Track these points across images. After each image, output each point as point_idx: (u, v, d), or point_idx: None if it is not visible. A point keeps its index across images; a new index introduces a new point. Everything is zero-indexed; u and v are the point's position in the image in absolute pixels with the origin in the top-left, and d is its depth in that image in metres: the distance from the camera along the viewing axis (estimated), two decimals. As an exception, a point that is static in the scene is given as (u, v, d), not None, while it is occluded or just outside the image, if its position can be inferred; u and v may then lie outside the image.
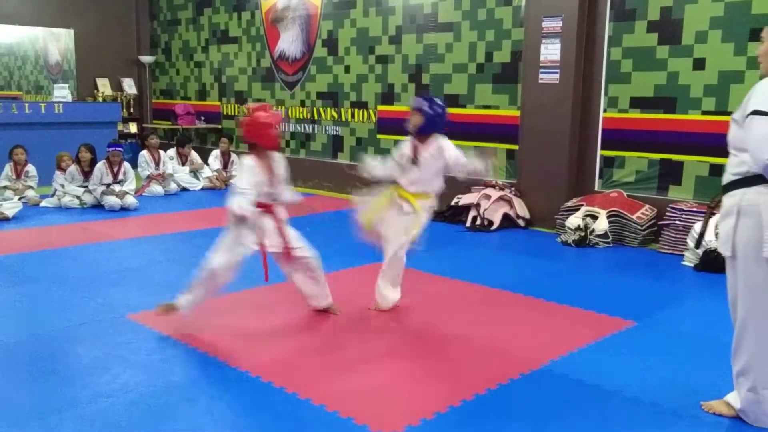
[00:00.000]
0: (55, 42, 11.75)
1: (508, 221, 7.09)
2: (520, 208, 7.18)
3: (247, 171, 3.87)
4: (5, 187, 8.16)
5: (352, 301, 4.65)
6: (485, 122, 7.80)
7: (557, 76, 6.88)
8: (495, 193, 7.21)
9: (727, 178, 2.82)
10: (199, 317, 4.01)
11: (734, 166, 2.76)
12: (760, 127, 2.57)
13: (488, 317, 4.34)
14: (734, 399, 2.97)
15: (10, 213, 7.27)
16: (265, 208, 3.97)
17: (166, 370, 3.43)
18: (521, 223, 7.14)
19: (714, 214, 2.90)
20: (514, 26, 7.42)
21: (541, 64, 6.99)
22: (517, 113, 7.40)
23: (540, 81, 7.01)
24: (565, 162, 6.96)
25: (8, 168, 8.33)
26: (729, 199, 2.78)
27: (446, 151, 4.32)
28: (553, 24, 6.88)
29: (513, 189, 7.35)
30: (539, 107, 7.06)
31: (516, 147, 7.47)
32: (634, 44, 6.60)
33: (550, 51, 6.93)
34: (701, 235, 3.08)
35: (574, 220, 6.39)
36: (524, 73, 7.22)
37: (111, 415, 2.94)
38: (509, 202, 7.18)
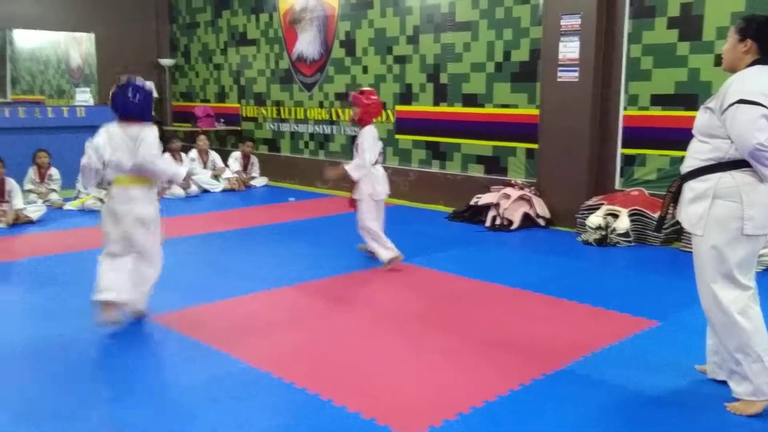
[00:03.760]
0: (77, 46, 11.89)
1: (528, 221, 7.07)
2: (540, 208, 7.15)
3: (373, 138, 5.46)
4: (29, 191, 8.28)
5: (373, 301, 4.66)
6: (504, 121, 7.78)
7: (576, 74, 6.85)
8: (515, 193, 7.18)
9: (694, 164, 3.00)
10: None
11: (705, 152, 2.95)
12: (745, 115, 2.77)
13: (509, 317, 4.33)
14: (740, 387, 3.00)
15: (34, 216, 7.39)
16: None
17: (189, 371, 3.46)
18: (541, 222, 7.11)
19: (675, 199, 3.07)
20: (533, 24, 7.38)
21: (559, 63, 6.95)
22: (536, 112, 7.37)
23: (559, 79, 6.98)
24: (585, 160, 6.92)
25: (32, 171, 8.45)
26: (701, 184, 2.95)
27: None
28: (571, 22, 6.84)
29: (533, 188, 7.32)
30: (558, 106, 7.03)
31: (535, 146, 7.43)
32: (654, 41, 6.55)
33: (569, 49, 6.90)
34: (662, 219, 3.19)
35: (595, 219, 6.35)
36: (543, 71, 7.19)
37: (136, 415, 2.98)
38: (529, 202, 7.15)
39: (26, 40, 11.57)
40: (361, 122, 5.54)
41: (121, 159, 4.00)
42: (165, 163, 4.15)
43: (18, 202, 7.43)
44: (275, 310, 4.50)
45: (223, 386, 3.29)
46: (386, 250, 5.44)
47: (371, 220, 5.47)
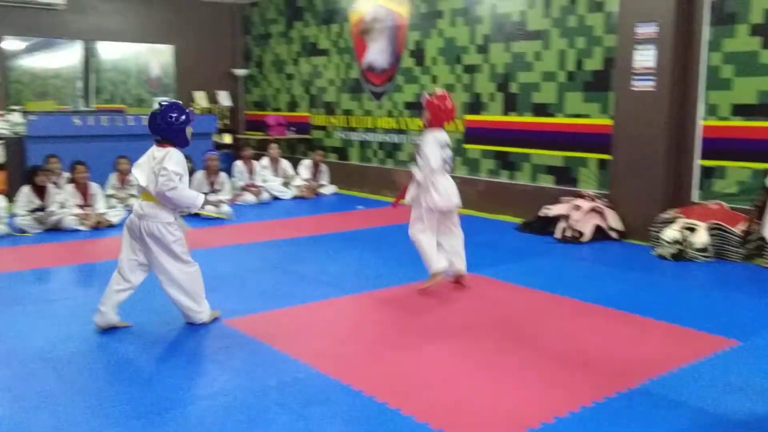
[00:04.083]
0: (156, 57, 12.35)
1: (599, 233, 6.91)
2: (613, 220, 6.97)
3: (435, 142, 4.99)
4: (111, 195, 8.63)
5: (442, 312, 4.65)
6: (575, 131, 7.64)
7: (652, 83, 6.67)
8: (586, 204, 7.03)
9: None
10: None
11: None
12: None
13: (580, 331, 4.24)
14: None
15: (115, 220, 7.71)
16: None
17: (261, 375, 3.53)
18: (614, 235, 6.94)
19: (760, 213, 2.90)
20: (606, 32, 7.24)
21: (634, 71, 6.78)
22: (610, 122, 7.21)
23: (633, 88, 6.81)
24: (660, 172, 6.72)
25: (113, 177, 8.81)
26: None
27: None
28: (647, 29, 6.67)
29: (605, 200, 7.15)
30: (633, 115, 6.85)
31: (608, 157, 7.27)
32: (735, 49, 6.31)
33: (645, 57, 6.72)
34: (746, 234, 3.04)
35: (671, 233, 6.15)
36: (617, 80, 7.03)
37: (209, 418, 3.05)
38: (601, 214, 6.99)
39: (109, 52, 12.10)
40: (429, 126, 5.09)
41: (139, 177, 4.13)
42: (180, 193, 4.08)
43: (100, 206, 7.77)
44: (344, 318, 4.54)
45: (293, 392, 3.34)
46: (437, 262, 5.04)
47: (420, 231, 5.04)
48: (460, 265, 5.21)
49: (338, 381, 3.44)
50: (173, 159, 4.08)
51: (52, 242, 6.90)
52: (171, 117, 4.12)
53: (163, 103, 4.23)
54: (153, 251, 4.14)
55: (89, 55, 11.81)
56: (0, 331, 4.20)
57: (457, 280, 5.23)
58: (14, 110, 10.41)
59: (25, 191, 7.50)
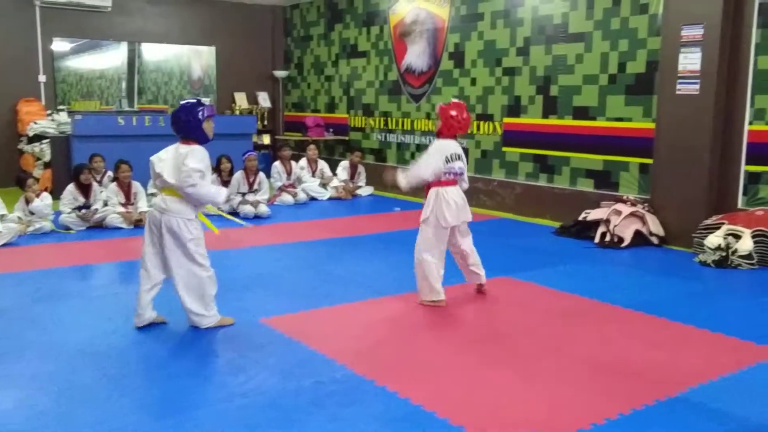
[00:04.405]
0: (198, 59, 12.56)
1: (640, 238, 6.79)
2: (654, 225, 6.85)
3: (439, 153, 4.75)
4: (153, 194, 8.77)
5: (479, 315, 4.62)
6: (617, 135, 7.53)
7: (697, 86, 6.53)
8: (626, 209, 6.92)
9: None
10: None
11: None
12: None
13: (618, 337, 4.17)
14: None
15: (155, 218, 7.83)
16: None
17: (296, 375, 3.55)
18: (655, 240, 6.81)
19: None
20: (650, 35, 7.12)
21: (679, 75, 6.66)
22: (652, 126, 7.08)
23: (678, 92, 6.68)
24: (704, 177, 6.57)
25: (155, 176, 8.97)
26: None
27: None
28: (693, 32, 6.54)
29: (646, 205, 7.03)
30: (677, 119, 6.72)
31: (650, 161, 7.14)
32: (785, 52, 6.15)
33: (690, 60, 6.59)
34: None
35: (715, 239, 6.01)
36: (660, 83, 6.90)
37: (245, 416, 3.09)
38: (641, 219, 6.87)
39: (153, 53, 12.34)
40: (439, 135, 4.85)
41: (163, 172, 4.16)
42: (202, 189, 4.12)
43: (142, 204, 7.91)
44: (380, 319, 4.55)
45: (328, 391, 3.35)
46: (430, 292, 4.72)
47: (426, 251, 4.71)
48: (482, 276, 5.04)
49: (373, 382, 3.44)
50: (196, 156, 4.12)
51: (95, 239, 7.06)
52: (189, 115, 4.17)
53: (182, 102, 4.29)
54: (168, 247, 4.18)
55: (133, 57, 12.07)
56: (44, 326, 4.31)
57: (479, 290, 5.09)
58: (61, 110, 10.69)
59: (70, 189, 7.69)
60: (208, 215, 4.63)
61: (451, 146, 4.76)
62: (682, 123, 6.67)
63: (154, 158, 4.28)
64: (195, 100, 4.29)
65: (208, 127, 4.22)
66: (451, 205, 4.68)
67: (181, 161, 4.11)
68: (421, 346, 4.03)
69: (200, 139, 4.21)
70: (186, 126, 4.17)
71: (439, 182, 4.72)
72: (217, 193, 4.26)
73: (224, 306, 4.70)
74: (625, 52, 7.38)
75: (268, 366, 3.66)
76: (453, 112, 4.75)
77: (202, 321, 4.26)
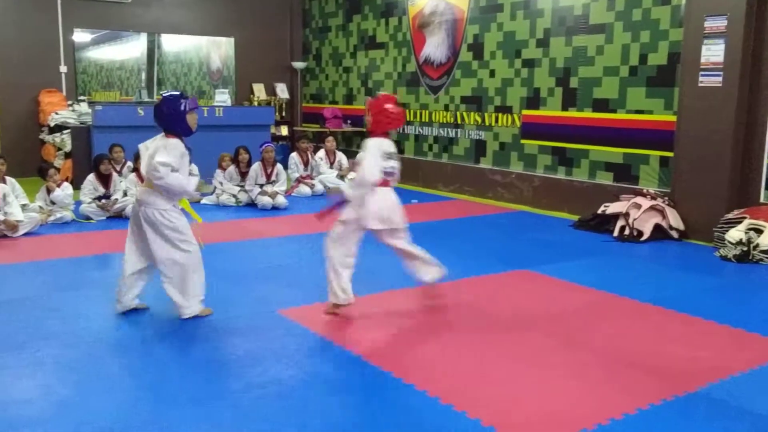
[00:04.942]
0: (217, 50, 12.59)
1: (659, 232, 6.72)
2: (674, 219, 6.77)
3: (378, 152, 4.31)
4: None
5: (497, 308, 4.61)
6: (637, 128, 7.45)
7: (720, 78, 6.44)
8: (646, 203, 6.85)
9: None
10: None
11: None
12: None
13: (638, 332, 4.14)
14: None
15: (174, 209, 7.89)
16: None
17: (314, 365, 3.57)
18: (674, 234, 6.74)
19: None
20: (672, 26, 7.02)
21: (702, 66, 6.56)
22: (673, 118, 7.00)
23: (700, 84, 6.59)
24: (726, 171, 6.49)
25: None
26: None
27: None
28: (716, 23, 6.44)
29: (666, 198, 6.95)
30: (699, 112, 6.63)
31: (670, 154, 7.06)
32: (811, 43, 6.04)
33: (713, 52, 6.50)
34: None
35: (736, 234, 5.94)
36: (682, 76, 6.81)
37: (263, 406, 3.10)
38: (661, 212, 6.80)
39: (172, 44, 12.39)
40: (371, 132, 4.42)
41: (141, 164, 4.18)
42: (170, 180, 4.09)
43: (161, 195, 7.95)
44: (396, 311, 4.55)
45: (344, 382, 3.36)
46: (340, 293, 4.30)
47: (335, 248, 4.34)
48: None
49: (391, 374, 3.45)
50: (166, 149, 4.13)
51: (115, 229, 7.10)
52: (171, 107, 4.18)
53: (164, 95, 4.31)
54: (149, 237, 4.21)
55: (153, 48, 12.13)
56: (65, 314, 4.36)
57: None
58: (82, 100, 10.78)
59: (90, 179, 7.75)
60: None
61: (385, 143, 4.38)
62: (704, 116, 6.58)
63: (141, 146, 4.33)
64: (178, 93, 4.32)
65: (192, 119, 4.23)
66: (382, 205, 4.31)
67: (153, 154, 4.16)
68: (438, 339, 4.03)
69: (183, 131, 4.23)
70: (168, 119, 4.19)
71: None
72: (186, 183, 4.25)
73: (241, 297, 4.74)
74: (646, 43, 7.29)
75: (285, 357, 3.68)
76: (388, 105, 4.43)
77: (183, 311, 4.27)
